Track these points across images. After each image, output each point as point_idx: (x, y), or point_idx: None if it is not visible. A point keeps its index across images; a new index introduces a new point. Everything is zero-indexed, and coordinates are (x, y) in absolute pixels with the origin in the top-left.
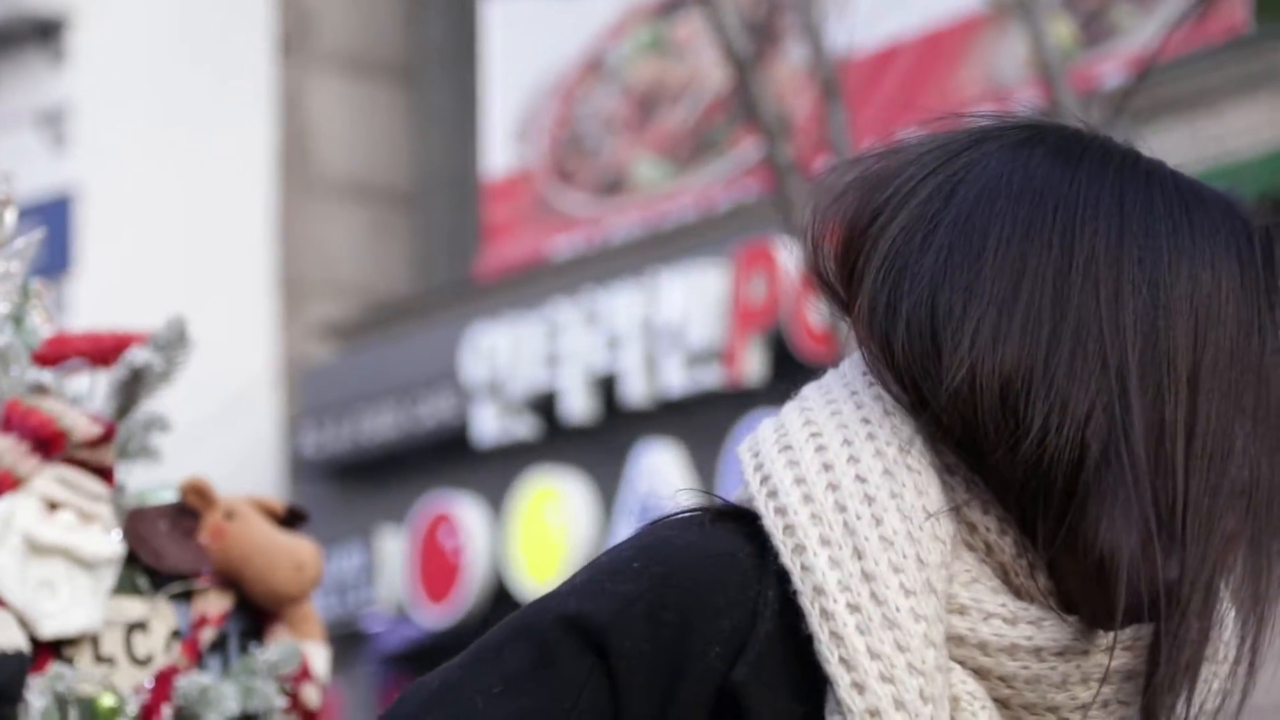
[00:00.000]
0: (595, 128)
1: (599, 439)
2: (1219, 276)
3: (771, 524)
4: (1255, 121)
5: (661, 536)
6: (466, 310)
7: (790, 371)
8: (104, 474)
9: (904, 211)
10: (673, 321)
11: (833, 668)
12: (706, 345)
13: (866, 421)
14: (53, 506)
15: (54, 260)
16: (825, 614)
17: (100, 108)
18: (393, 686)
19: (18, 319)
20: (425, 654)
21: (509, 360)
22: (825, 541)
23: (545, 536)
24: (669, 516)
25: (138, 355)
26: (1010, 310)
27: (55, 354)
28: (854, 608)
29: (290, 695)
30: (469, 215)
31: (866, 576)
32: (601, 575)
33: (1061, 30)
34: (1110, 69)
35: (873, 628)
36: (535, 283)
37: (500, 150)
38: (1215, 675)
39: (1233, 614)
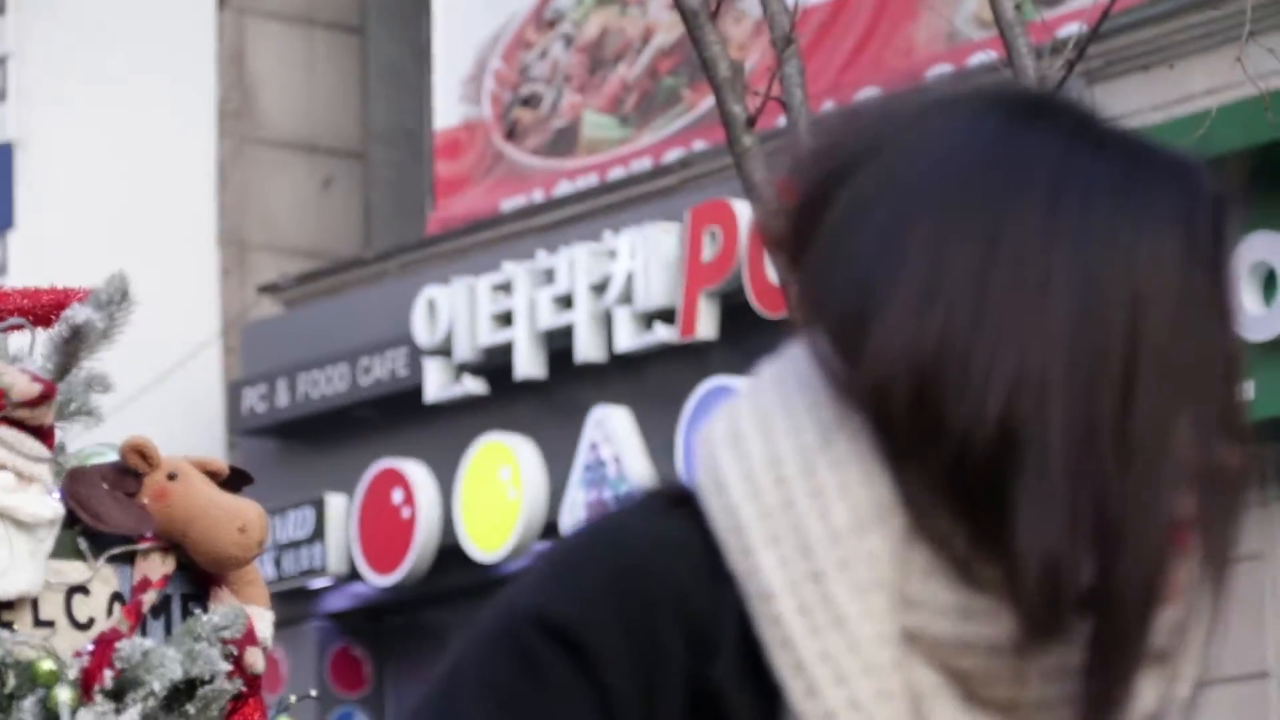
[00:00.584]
0: (545, 82)
1: (550, 398)
2: (1160, 259)
3: (719, 521)
4: (1212, 77)
5: (620, 524)
6: (415, 268)
7: (745, 328)
8: (43, 434)
9: (847, 187)
10: (625, 278)
11: (784, 674)
12: (660, 302)
13: (815, 408)
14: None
15: None
16: (773, 618)
17: (40, 58)
18: (339, 649)
19: None
20: (372, 616)
21: (460, 318)
22: (773, 539)
23: (495, 495)
24: (625, 502)
25: (78, 313)
26: (933, 301)
27: None
28: (803, 609)
29: (234, 659)
30: (418, 172)
31: (815, 576)
32: (560, 568)
33: None
34: (1067, 22)
35: (822, 630)
36: (487, 239)
37: (449, 106)
38: (1163, 665)
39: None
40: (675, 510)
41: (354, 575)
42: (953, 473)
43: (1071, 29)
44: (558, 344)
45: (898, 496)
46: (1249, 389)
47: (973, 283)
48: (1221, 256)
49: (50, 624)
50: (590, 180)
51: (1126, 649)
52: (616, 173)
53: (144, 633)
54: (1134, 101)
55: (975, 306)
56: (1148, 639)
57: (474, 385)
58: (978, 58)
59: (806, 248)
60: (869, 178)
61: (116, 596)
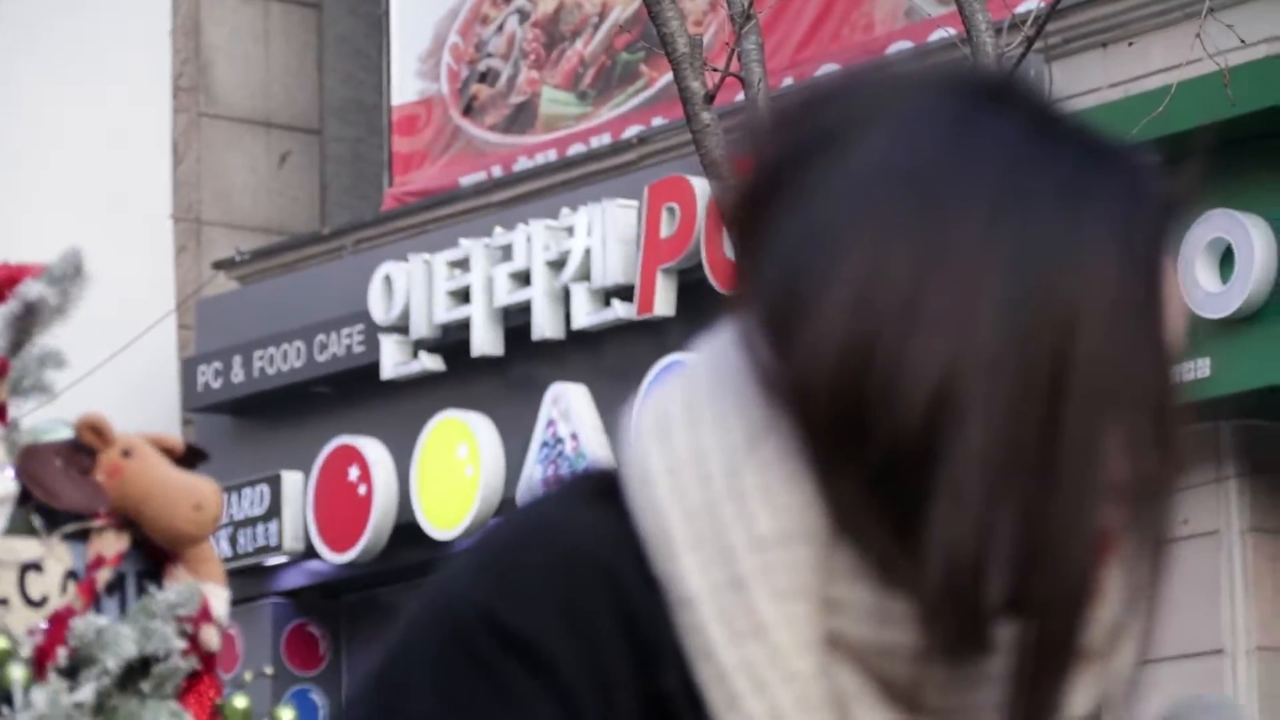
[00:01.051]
0: (502, 58)
1: (508, 375)
2: (1098, 269)
3: (645, 521)
4: (1170, 54)
5: (552, 520)
6: (372, 244)
7: (702, 304)
8: None
9: (798, 172)
10: (583, 256)
11: (705, 683)
12: (617, 279)
13: (742, 401)
14: None
15: None
16: (695, 627)
17: None
18: (295, 626)
19: None
20: (328, 594)
21: (416, 295)
22: (695, 544)
23: (452, 473)
24: (551, 491)
25: (31, 289)
26: (866, 305)
27: None
28: (723, 617)
29: (189, 637)
30: (375, 148)
31: (736, 583)
32: (497, 568)
33: None
34: None
35: (744, 638)
36: (444, 216)
37: (407, 81)
38: (1093, 672)
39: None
40: (604, 502)
41: (310, 553)
42: (875, 478)
43: (1031, 5)
44: (515, 321)
45: (822, 498)
46: (1205, 367)
47: (907, 289)
48: (1159, 264)
49: (4, 601)
50: (548, 157)
51: (1051, 658)
52: (574, 149)
53: (98, 610)
54: (1093, 79)
55: (906, 314)
56: (1074, 648)
57: (431, 362)
58: (937, 34)
59: (754, 230)
60: (820, 165)
61: (70, 574)
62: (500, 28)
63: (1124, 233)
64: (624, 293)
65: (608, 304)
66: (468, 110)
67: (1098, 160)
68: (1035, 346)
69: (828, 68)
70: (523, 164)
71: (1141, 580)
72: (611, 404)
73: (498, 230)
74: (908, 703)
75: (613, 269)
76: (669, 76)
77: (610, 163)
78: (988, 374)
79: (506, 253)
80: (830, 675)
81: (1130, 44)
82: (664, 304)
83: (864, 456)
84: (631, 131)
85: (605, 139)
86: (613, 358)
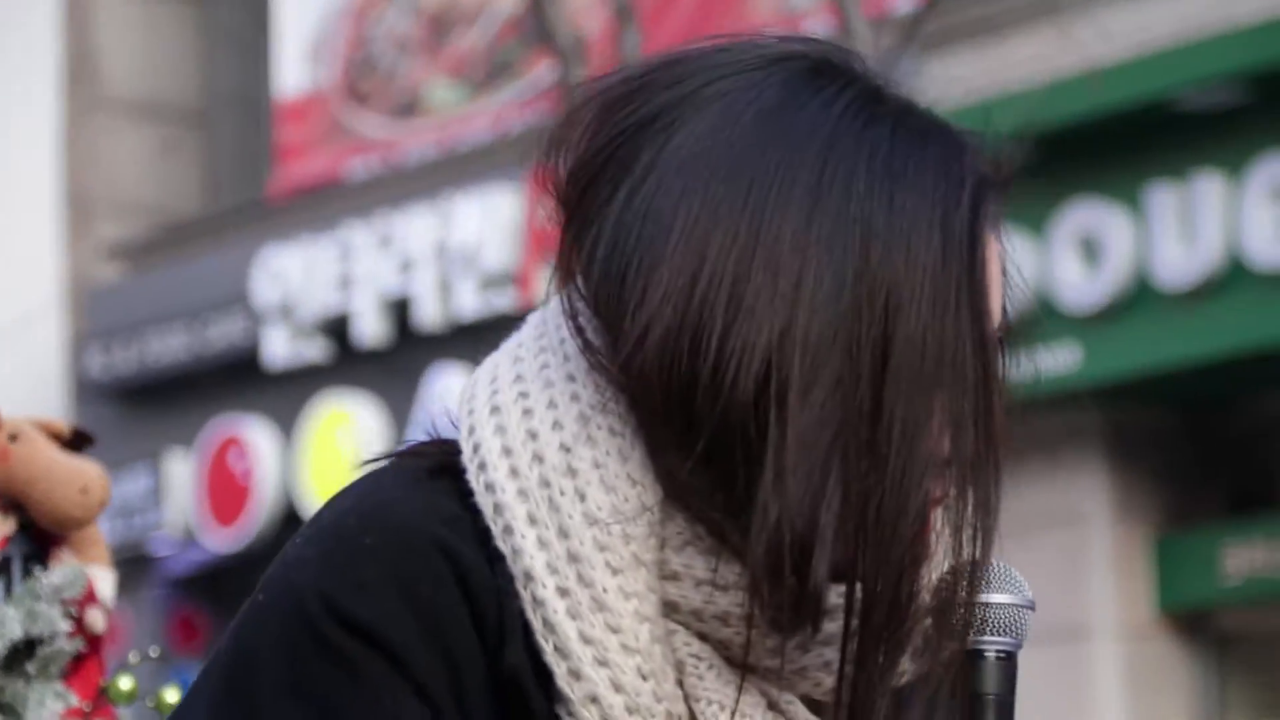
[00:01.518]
0: (389, 48)
1: (391, 362)
2: (917, 250)
3: (482, 500)
4: (1040, 50)
5: (385, 500)
6: (258, 232)
7: None
8: None
9: (621, 152)
10: (467, 245)
11: (549, 657)
12: (500, 269)
13: (571, 379)
14: None
15: None
16: (537, 601)
17: None
18: (180, 610)
19: None
20: (213, 578)
21: (301, 283)
22: (532, 520)
23: (336, 460)
24: (382, 470)
25: None
26: (690, 290)
27: None
28: (563, 591)
29: (75, 619)
30: (261, 136)
31: (573, 557)
32: (337, 553)
33: None
34: None
35: (583, 611)
36: (328, 204)
37: (293, 70)
38: (923, 636)
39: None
40: (438, 483)
41: (194, 538)
42: (706, 454)
43: (905, 1)
44: (398, 309)
45: (654, 472)
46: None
47: (731, 276)
48: (978, 242)
49: None
50: (432, 146)
51: (879, 625)
52: (458, 139)
53: None
54: (964, 73)
55: (731, 297)
56: (901, 615)
57: (315, 350)
58: (814, 29)
59: (581, 210)
60: (647, 147)
61: None
62: (388, 19)
63: (942, 213)
64: (507, 281)
65: (490, 293)
66: (354, 99)
67: (916, 140)
68: (857, 328)
69: None
70: (408, 153)
71: (968, 550)
72: None
73: (382, 219)
74: (744, 667)
75: (496, 258)
76: (552, 68)
77: (494, 153)
78: (812, 356)
79: (390, 241)
80: (669, 642)
81: (1000, 39)
82: (545, 294)
83: (693, 435)
84: (515, 122)
85: (488, 130)
86: (495, 345)
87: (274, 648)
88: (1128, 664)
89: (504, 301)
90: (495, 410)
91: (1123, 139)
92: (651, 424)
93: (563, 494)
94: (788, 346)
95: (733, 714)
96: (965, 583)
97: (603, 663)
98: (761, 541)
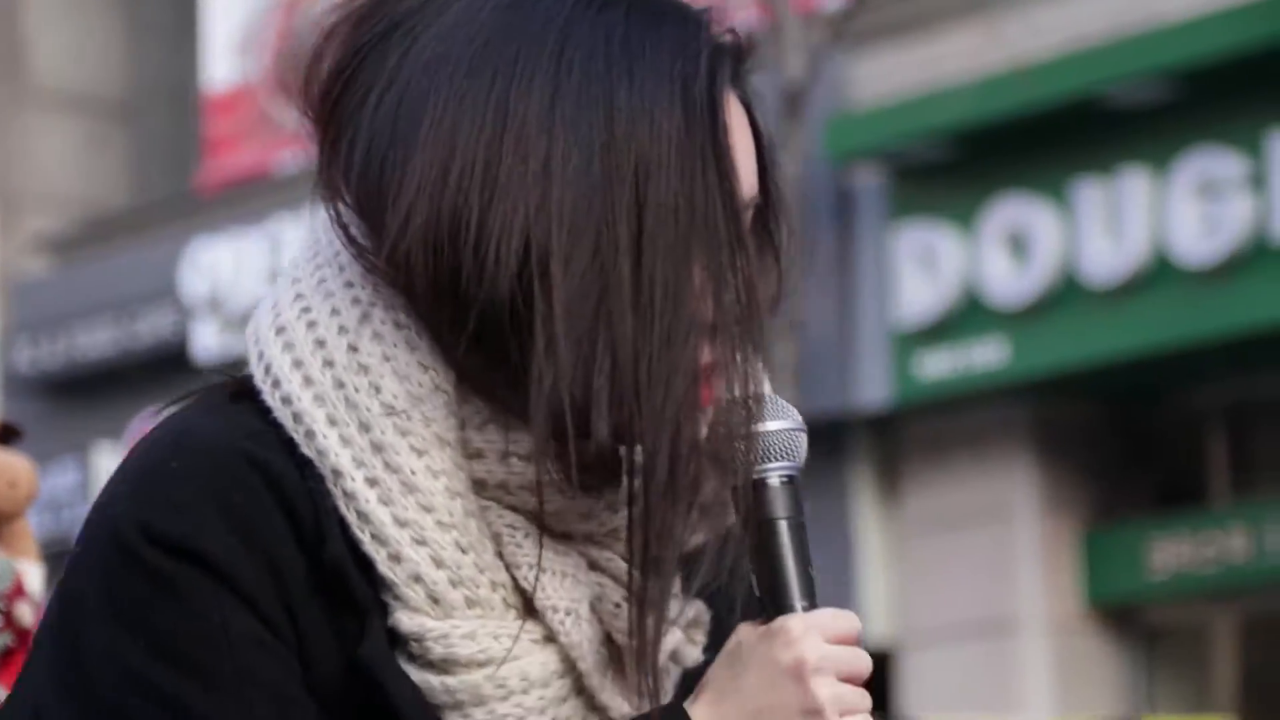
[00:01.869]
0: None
1: None
2: (660, 121)
3: (281, 414)
4: (970, 46)
5: (187, 427)
6: (187, 225)
7: None
8: None
9: (369, 60)
10: None
11: (368, 546)
12: None
13: (350, 285)
14: None
15: None
16: (348, 495)
17: None
18: None
19: None
20: None
21: (230, 276)
22: (332, 421)
23: None
24: (183, 406)
25: None
26: (444, 179)
27: None
28: (372, 481)
29: (4, 613)
30: (189, 128)
31: (377, 447)
32: (150, 483)
33: None
34: None
35: (394, 496)
36: (258, 197)
37: (222, 63)
38: (709, 505)
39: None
40: (241, 404)
41: None
42: (481, 335)
43: None
44: None
45: (439, 358)
46: (1002, 353)
47: (482, 162)
48: (718, 108)
49: None
50: None
51: (662, 483)
52: None
53: None
54: (892, 69)
55: (484, 185)
56: (681, 468)
57: (243, 344)
58: (744, 25)
59: (336, 119)
60: (395, 51)
61: None
62: (319, 12)
63: (681, 84)
64: None
65: None
66: (285, 91)
67: (651, 20)
68: (610, 198)
69: None
70: None
71: (740, 398)
72: None
73: (312, 211)
74: (542, 528)
75: None
76: None
77: None
78: (568, 228)
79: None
80: (484, 517)
81: (927, 36)
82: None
83: (464, 316)
84: None
85: None
86: None
87: (96, 582)
88: (1056, 657)
89: None
90: (280, 330)
91: (1050, 135)
92: (427, 315)
93: (357, 390)
94: (543, 221)
95: (549, 576)
96: (741, 431)
97: (420, 541)
98: (540, 409)
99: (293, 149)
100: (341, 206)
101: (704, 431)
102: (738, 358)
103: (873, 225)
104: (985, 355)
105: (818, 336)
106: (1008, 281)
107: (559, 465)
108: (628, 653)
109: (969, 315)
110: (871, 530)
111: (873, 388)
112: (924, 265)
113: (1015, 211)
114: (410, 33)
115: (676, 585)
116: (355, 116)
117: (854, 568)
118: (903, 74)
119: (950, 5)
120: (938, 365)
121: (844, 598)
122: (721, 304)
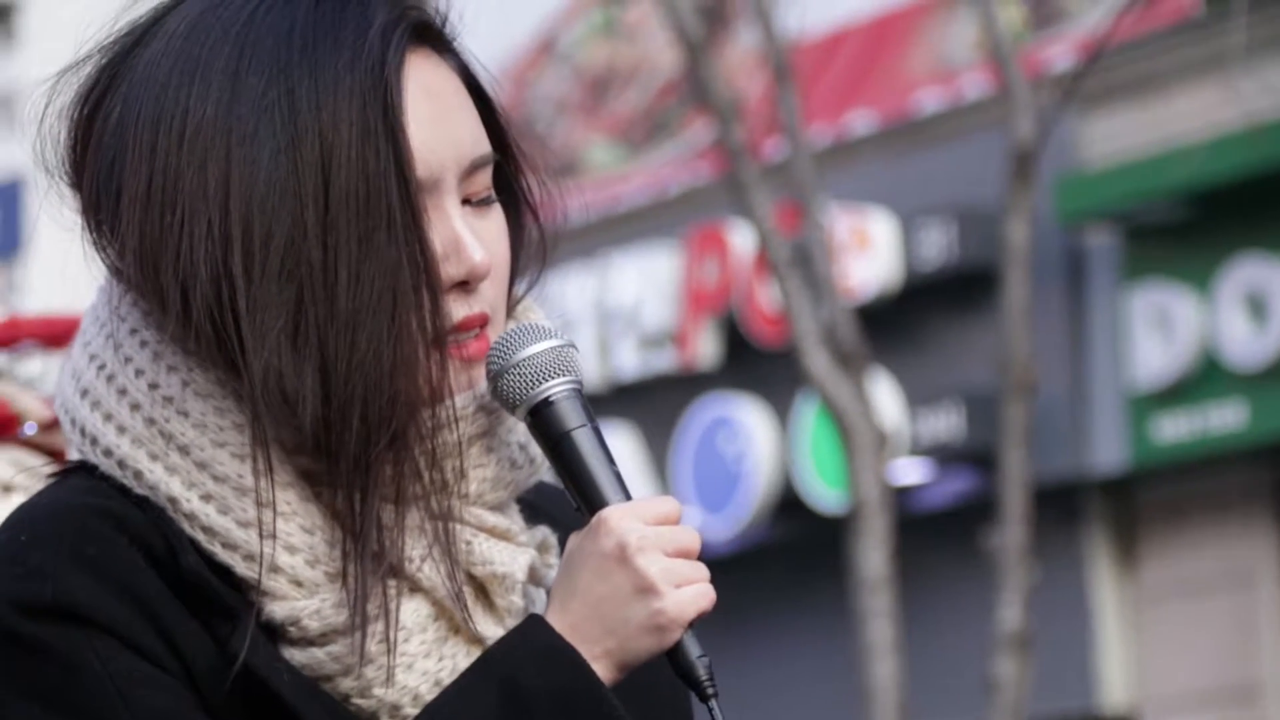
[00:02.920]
0: (547, 110)
1: None
2: (340, 112)
3: (108, 467)
4: (1203, 105)
5: (27, 506)
6: None
7: (742, 354)
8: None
9: (114, 74)
10: (625, 304)
11: (222, 555)
12: (659, 328)
13: (135, 331)
14: (6, 489)
15: (6, 242)
16: (189, 516)
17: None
18: None
19: None
20: None
21: None
22: (154, 456)
23: None
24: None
25: None
26: (146, 202)
27: (8, 337)
28: (206, 497)
29: None
30: None
31: (201, 465)
32: (7, 563)
33: (1012, 13)
34: (1060, 52)
35: (230, 504)
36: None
37: None
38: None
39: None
40: (69, 479)
41: None
42: (211, 335)
43: (1061, 55)
44: None
45: (222, 364)
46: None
47: (172, 178)
48: (394, 88)
49: None
50: (591, 206)
51: (364, 460)
52: (616, 199)
53: None
54: (1125, 130)
55: (174, 204)
56: (376, 455)
57: None
58: (974, 87)
59: (86, 132)
60: (120, 76)
61: None
62: (546, 80)
63: (361, 69)
64: (665, 341)
65: (649, 352)
66: None
67: (335, 8)
68: (298, 194)
69: (863, 118)
70: (566, 214)
71: (447, 383)
72: (654, 450)
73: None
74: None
75: (654, 318)
76: (710, 128)
77: (652, 213)
78: (260, 224)
79: (549, 301)
80: (319, 500)
81: (1162, 97)
82: (705, 352)
83: (194, 323)
84: (673, 182)
85: (647, 190)
86: (654, 404)
87: None
88: None
89: (663, 361)
90: (85, 393)
91: None
92: (175, 331)
93: (168, 421)
94: (234, 225)
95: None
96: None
97: (270, 535)
98: (260, 404)
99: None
100: (107, 245)
101: (414, 393)
102: (414, 326)
103: (1105, 287)
104: (1223, 418)
105: (1051, 399)
106: (1246, 343)
107: (328, 450)
108: (490, 583)
109: (1206, 377)
110: (1108, 596)
111: (1108, 451)
112: (1159, 327)
113: (1252, 271)
114: (136, 43)
115: (518, 518)
116: (96, 143)
117: (1090, 634)
118: (1134, 134)
119: (1183, 64)
120: (1175, 428)
121: (1081, 665)
122: (412, 279)
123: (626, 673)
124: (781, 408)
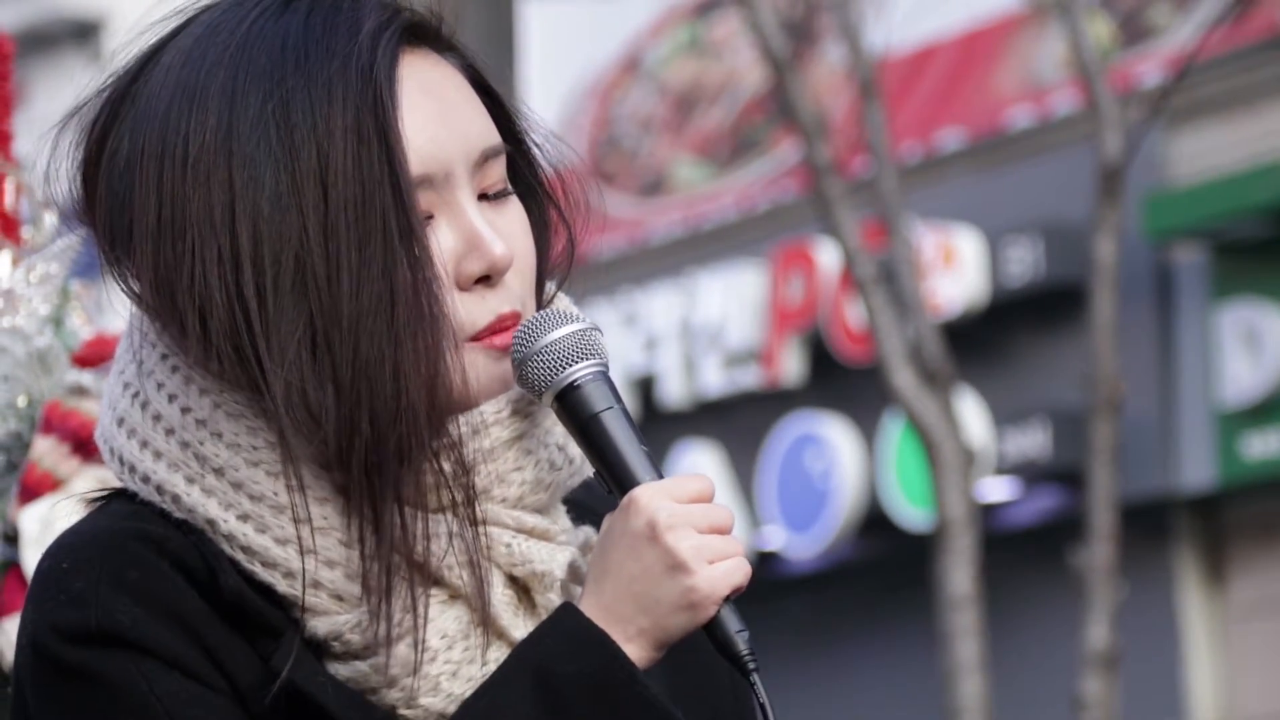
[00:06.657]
0: (634, 128)
1: None
2: (334, 121)
3: (146, 493)
4: None
5: (68, 533)
6: None
7: (828, 372)
8: None
9: (96, 135)
10: (711, 322)
11: (262, 574)
12: (745, 346)
13: (165, 357)
14: None
15: (93, 262)
16: (228, 537)
17: None
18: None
19: (57, 321)
20: None
21: None
22: (190, 480)
23: None
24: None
25: None
26: (157, 232)
27: (95, 356)
28: (244, 517)
29: None
30: None
31: (237, 485)
32: (49, 590)
33: (1100, 29)
34: (1149, 68)
35: (268, 522)
36: (574, 283)
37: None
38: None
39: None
40: (109, 505)
41: None
42: (233, 356)
43: (1149, 71)
44: (643, 387)
45: (246, 386)
46: None
47: (180, 205)
48: (387, 92)
49: None
50: (677, 224)
51: (377, 467)
52: (703, 217)
53: None
54: (1214, 147)
55: (183, 233)
56: (399, 465)
57: None
58: (1062, 104)
59: (97, 160)
60: (123, 112)
61: None
62: (632, 98)
63: (349, 74)
64: (751, 358)
65: (735, 370)
66: (600, 178)
67: (329, 15)
68: (300, 206)
69: (952, 135)
70: (653, 231)
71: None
72: (740, 468)
73: (627, 297)
74: (428, 509)
75: (740, 335)
76: (796, 146)
77: (738, 230)
78: (274, 248)
79: (636, 319)
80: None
81: (1252, 112)
82: (791, 370)
83: (215, 347)
84: (759, 199)
85: (733, 207)
86: (740, 423)
87: (36, 699)
88: None
89: (748, 378)
90: (121, 422)
91: None
92: (197, 356)
93: (202, 444)
94: (242, 247)
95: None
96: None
97: (309, 551)
98: (284, 420)
99: (608, 235)
100: (124, 268)
101: (417, 395)
102: (418, 328)
103: (1194, 304)
104: None
105: (1138, 417)
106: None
107: (344, 463)
108: (531, 582)
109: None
110: (1196, 615)
111: (1196, 469)
112: (1248, 344)
113: None
114: (138, 78)
115: (563, 519)
116: (105, 178)
117: (1178, 653)
118: (1223, 150)
119: (1272, 79)
120: (1264, 445)
121: (1169, 684)
122: (415, 288)
123: (664, 650)
124: (867, 426)
